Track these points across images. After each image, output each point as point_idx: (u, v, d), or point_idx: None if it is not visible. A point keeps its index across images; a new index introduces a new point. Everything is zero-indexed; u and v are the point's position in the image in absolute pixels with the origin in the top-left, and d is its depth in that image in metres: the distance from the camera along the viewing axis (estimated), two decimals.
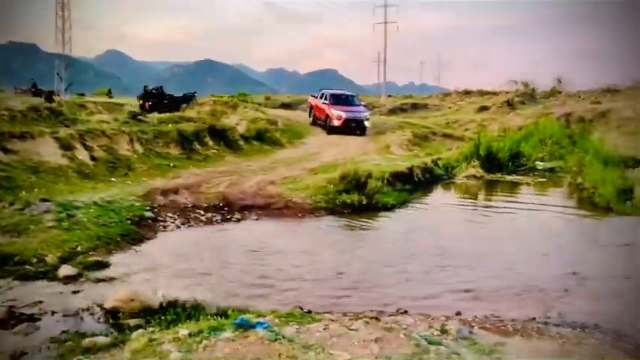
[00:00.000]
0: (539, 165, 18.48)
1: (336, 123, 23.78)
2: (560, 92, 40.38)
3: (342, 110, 24.11)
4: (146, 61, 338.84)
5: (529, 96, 40.33)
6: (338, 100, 25.24)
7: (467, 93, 47.64)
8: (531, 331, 5.25)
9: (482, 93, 45.48)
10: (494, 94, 43.48)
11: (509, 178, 16.74)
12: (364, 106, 26.60)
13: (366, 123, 24.35)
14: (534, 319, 5.82)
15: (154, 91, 29.02)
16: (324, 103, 24.94)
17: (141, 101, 27.84)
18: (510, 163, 17.73)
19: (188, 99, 28.56)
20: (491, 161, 17.32)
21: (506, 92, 42.12)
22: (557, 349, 4.74)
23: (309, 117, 26.40)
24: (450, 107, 42.18)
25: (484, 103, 38.69)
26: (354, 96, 26.93)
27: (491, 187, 15.83)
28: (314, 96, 26.71)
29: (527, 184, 16.03)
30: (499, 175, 16.97)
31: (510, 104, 36.56)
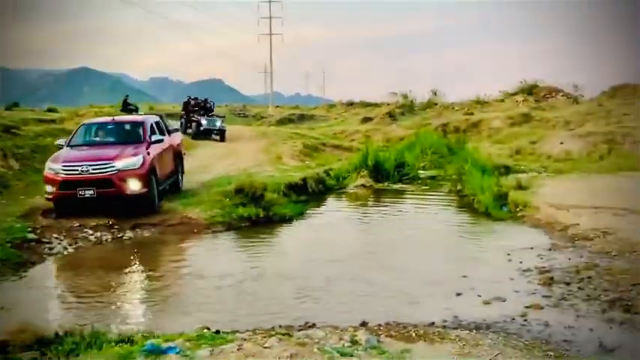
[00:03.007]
0: (422, 173, 19.52)
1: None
2: (436, 104, 42.83)
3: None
4: (15, 69, 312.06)
5: (408, 107, 42.46)
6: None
7: (351, 104, 49.29)
8: (433, 335, 5.57)
9: (364, 104, 47.23)
10: (377, 105, 45.30)
11: (395, 186, 17.52)
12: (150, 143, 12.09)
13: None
14: (433, 323, 6.17)
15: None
16: None
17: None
18: (396, 173, 18.54)
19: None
20: (378, 171, 18.04)
21: (388, 104, 44.04)
22: (458, 351, 5.07)
23: None
24: (335, 118, 43.43)
25: (367, 115, 40.24)
26: (122, 125, 13.04)
27: (379, 195, 16.49)
28: None
29: (412, 191, 16.89)
30: (386, 184, 17.70)
31: (392, 115, 38.35)
